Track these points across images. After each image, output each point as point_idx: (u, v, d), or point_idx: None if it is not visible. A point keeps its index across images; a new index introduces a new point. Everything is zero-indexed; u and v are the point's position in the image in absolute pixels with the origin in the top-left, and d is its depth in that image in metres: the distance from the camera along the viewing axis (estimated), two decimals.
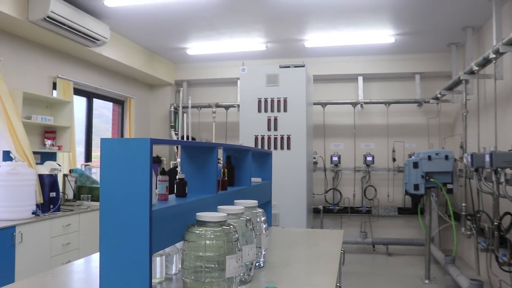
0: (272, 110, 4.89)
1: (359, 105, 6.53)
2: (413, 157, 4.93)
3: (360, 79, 6.61)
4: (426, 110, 6.48)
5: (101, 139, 1.40)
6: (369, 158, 6.42)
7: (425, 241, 4.92)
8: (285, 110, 4.85)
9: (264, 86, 4.92)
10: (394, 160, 6.40)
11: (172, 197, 1.76)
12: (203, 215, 1.52)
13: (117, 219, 1.34)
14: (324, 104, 6.55)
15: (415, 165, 4.63)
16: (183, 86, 7.19)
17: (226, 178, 2.27)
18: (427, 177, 4.58)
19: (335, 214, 6.57)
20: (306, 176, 4.77)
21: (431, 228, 5.17)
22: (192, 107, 6.79)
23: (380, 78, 6.66)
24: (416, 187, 4.65)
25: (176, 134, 6.91)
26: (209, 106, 6.77)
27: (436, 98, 6.02)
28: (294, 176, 4.74)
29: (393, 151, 6.43)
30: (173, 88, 7.24)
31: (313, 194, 6.00)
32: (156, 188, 1.62)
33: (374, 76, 6.60)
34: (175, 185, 1.80)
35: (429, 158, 4.58)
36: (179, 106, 6.80)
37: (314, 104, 6.18)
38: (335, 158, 6.51)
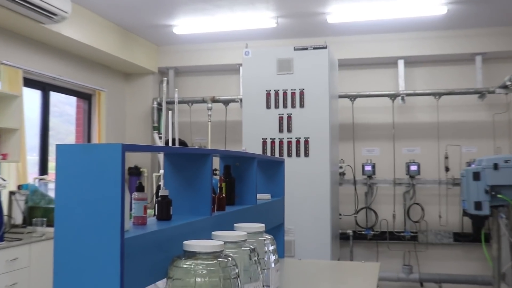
0: (284, 106, 4.88)
1: (400, 97, 6.50)
2: (473, 165, 4.89)
3: (401, 63, 6.58)
4: (491, 103, 6.43)
5: (56, 145, 1.39)
6: (413, 168, 6.38)
7: (493, 279, 4.87)
8: (301, 106, 4.84)
9: (274, 75, 4.92)
10: (447, 169, 6.35)
11: (152, 220, 1.76)
12: (193, 244, 1.52)
13: (76, 251, 1.33)
14: (353, 97, 6.53)
15: (476, 176, 4.60)
16: (169, 75, 7.21)
17: (223, 195, 2.27)
18: (493, 193, 4.55)
19: (369, 241, 6.53)
20: (330, 192, 4.75)
21: (501, 261, 5.10)
22: (181, 102, 6.79)
23: (428, 61, 6.63)
24: (478, 205, 4.61)
25: (160, 138, 6.93)
26: (203, 101, 6.78)
27: (505, 87, 5.97)
28: (314, 192, 4.72)
29: (446, 157, 6.38)
30: (156, 77, 7.26)
31: (340, 214, 5.96)
32: (131, 209, 1.62)
33: (419, 59, 6.57)
34: (155, 205, 1.80)
35: (496, 167, 4.54)
36: (163, 101, 6.82)
37: (340, 97, 6.17)
38: (368, 168, 6.47)
